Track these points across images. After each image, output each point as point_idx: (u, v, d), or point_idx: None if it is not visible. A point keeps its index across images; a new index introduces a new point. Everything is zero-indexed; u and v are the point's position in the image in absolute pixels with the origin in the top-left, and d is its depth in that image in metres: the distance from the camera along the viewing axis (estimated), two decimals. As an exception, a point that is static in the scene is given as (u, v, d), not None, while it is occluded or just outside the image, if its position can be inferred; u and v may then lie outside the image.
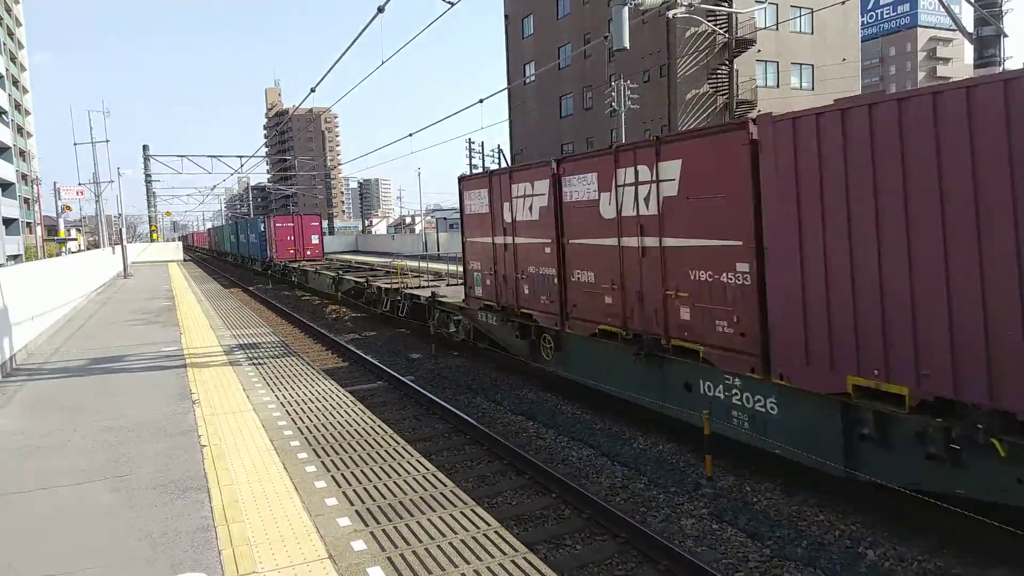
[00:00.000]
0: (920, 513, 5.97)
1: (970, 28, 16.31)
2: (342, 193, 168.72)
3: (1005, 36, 16.19)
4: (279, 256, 35.15)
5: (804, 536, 6.09)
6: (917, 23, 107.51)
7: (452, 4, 10.14)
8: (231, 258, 52.85)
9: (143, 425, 6.96)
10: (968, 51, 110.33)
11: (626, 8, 10.13)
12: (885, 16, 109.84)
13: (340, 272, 25.68)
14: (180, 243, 66.59)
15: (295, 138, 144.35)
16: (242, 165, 44.25)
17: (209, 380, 9.00)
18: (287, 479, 5.36)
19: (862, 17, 62.97)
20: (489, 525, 4.39)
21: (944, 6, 17.75)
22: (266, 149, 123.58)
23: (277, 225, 35.56)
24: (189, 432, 6.64)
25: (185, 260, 53.18)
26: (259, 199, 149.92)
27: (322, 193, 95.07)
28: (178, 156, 44.72)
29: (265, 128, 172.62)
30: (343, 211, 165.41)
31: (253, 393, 8.27)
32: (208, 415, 7.26)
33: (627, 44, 10.28)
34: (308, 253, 36.00)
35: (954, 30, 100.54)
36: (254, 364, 10.15)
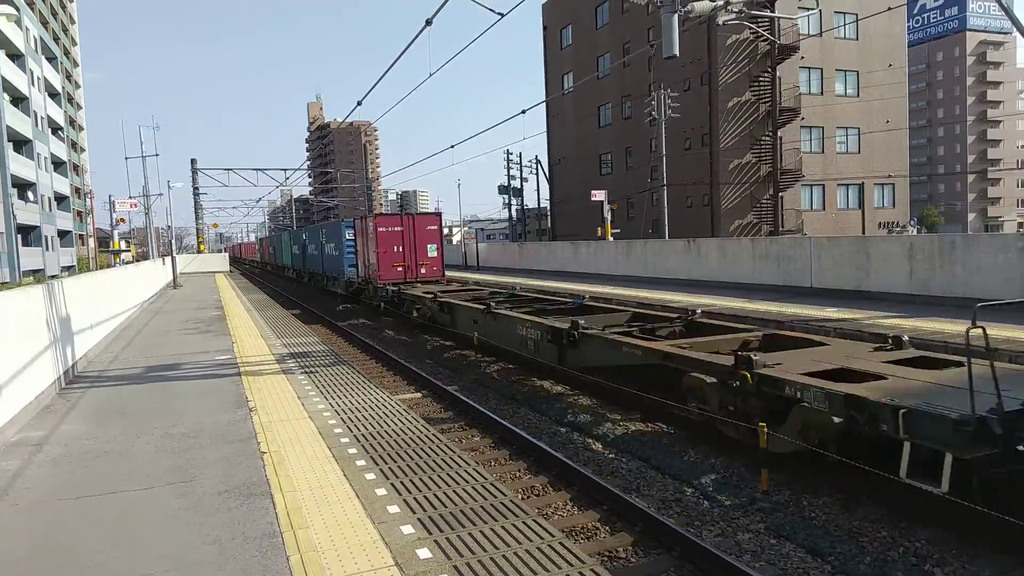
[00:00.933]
0: (991, 530, 5.77)
1: (1027, 31, 15.84)
2: (381, 205, 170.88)
3: (1064, 38, 15.66)
4: (383, 276, 22.26)
5: (867, 552, 5.94)
6: (966, 26, 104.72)
7: (502, 15, 10.23)
8: (291, 272, 44.93)
9: (203, 432, 7.12)
10: (1021, 54, 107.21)
11: (676, 15, 10.11)
12: (932, 20, 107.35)
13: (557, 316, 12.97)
14: (227, 254, 68.14)
15: (336, 151, 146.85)
16: (287, 178, 45.20)
17: (264, 388, 9.18)
18: (347, 486, 5.44)
19: (908, 21, 61.65)
20: (554, 536, 4.39)
21: (1002, 5, 17.29)
22: (308, 162, 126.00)
23: (381, 230, 22.30)
24: (248, 439, 6.78)
25: (231, 271, 54.37)
26: (301, 211, 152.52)
27: (363, 205, 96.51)
28: (224, 169, 45.96)
29: (308, 142, 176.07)
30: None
31: (308, 401, 8.41)
32: (265, 422, 7.40)
33: (676, 52, 10.25)
34: (423, 271, 23.06)
35: (1006, 32, 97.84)
36: (306, 372, 10.32)
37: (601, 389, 11.09)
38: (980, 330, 4.90)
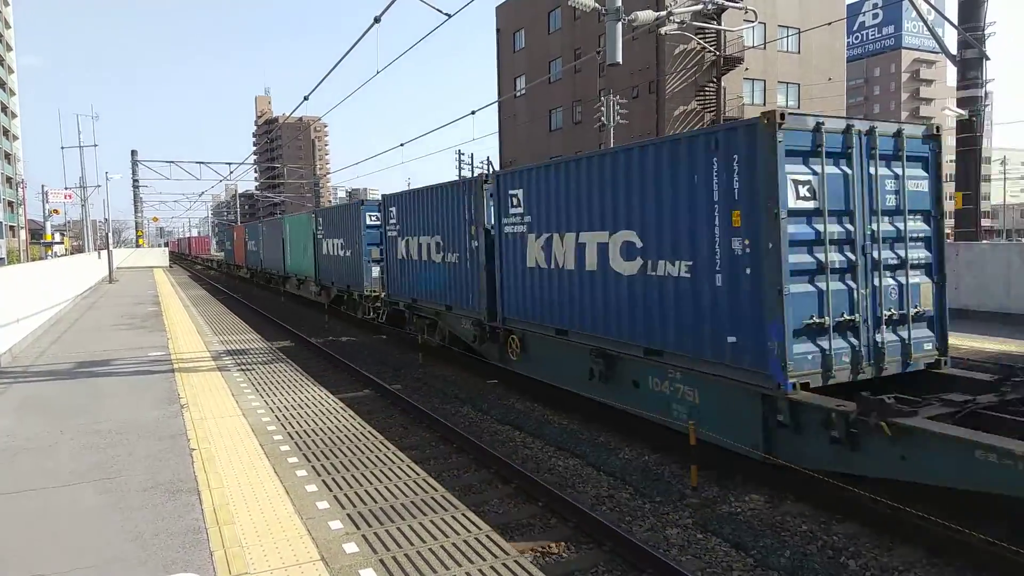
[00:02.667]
0: (905, 523, 6.08)
1: (953, 50, 16.72)
2: (329, 202, 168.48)
3: (987, 59, 16.59)
4: None
5: (787, 546, 6.18)
6: (901, 45, 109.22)
7: (449, 16, 10.26)
8: (294, 283, 27.15)
9: (131, 428, 6.95)
10: (951, 72, 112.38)
11: (620, 24, 10.31)
12: (870, 37, 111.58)
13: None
14: (166, 249, 66.25)
15: (284, 146, 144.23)
16: (231, 172, 44.19)
17: (197, 385, 9.00)
18: (277, 482, 5.39)
19: (848, 38, 64.02)
20: (480, 529, 4.45)
21: (929, 28, 18.14)
22: (255, 156, 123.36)
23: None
24: (178, 436, 6.65)
25: (171, 267, 52.84)
26: (246, 206, 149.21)
27: (311, 201, 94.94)
28: (166, 162, 44.61)
29: (255, 136, 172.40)
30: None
31: (242, 398, 8.28)
32: (197, 419, 7.26)
33: (620, 59, 10.45)
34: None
35: (938, 52, 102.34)
36: (242, 370, 10.15)
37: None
38: None
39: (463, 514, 4.77)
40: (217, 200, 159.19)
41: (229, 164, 45.19)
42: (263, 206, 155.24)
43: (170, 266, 53.27)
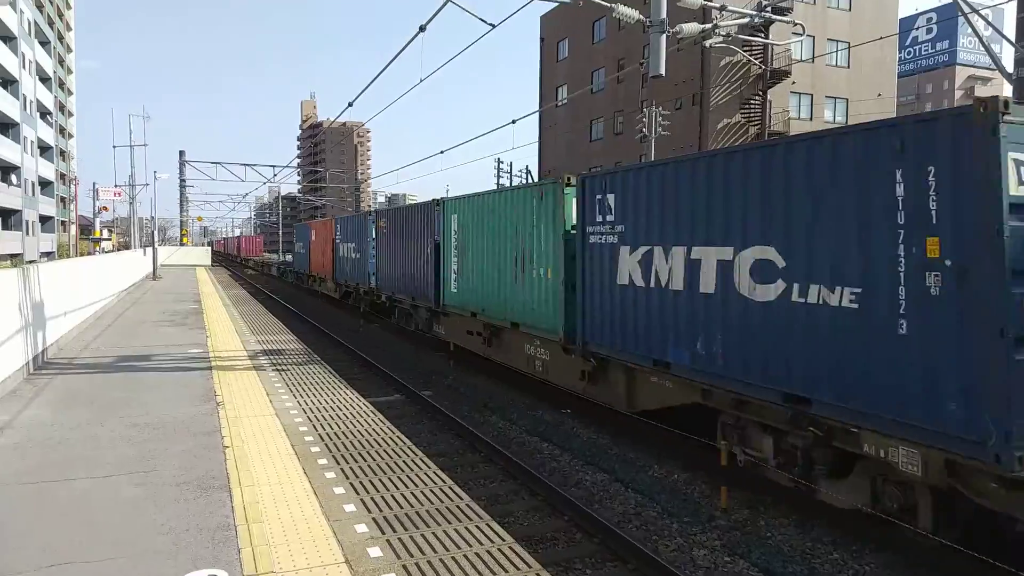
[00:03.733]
0: (939, 554, 5.89)
1: (1009, 68, 16.25)
2: (370, 206, 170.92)
3: (1044, 79, 16.07)
4: None
5: (816, 573, 6.04)
6: (956, 61, 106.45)
7: (493, 26, 10.34)
8: (413, 304, 17.47)
9: (168, 423, 7.11)
10: (1007, 90, 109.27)
11: (664, 36, 10.26)
12: (923, 53, 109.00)
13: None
14: (209, 248, 67.90)
15: (327, 150, 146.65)
16: (275, 175, 45.03)
17: (233, 383, 9.17)
18: (307, 483, 5.46)
19: (900, 53, 62.68)
20: (504, 540, 4.44)
21: (984, 45, 17.66)
22: (298, 160, 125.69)
23: None
24: (212, 433, 6.78)
25: (212, 265, 54.07)
26: (288, 208, 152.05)
27: (351, 205, 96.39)
28: (213, 163, 45.66)
29: (299, 139, 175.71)
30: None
31: (276, 398, 8.41)
32: (232, 417, 7.40)
33: (663, 71, 10.38)
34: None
35: (993, 69, 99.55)
36: (277, 370, 10.31)
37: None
38: None
39: (488, 524, 4.77)
40: (260, 202, 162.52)
41: (273, 167, 46.18)
42: (304, 208, 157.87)
43: (212, 265, 54.50)
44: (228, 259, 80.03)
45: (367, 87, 16.47)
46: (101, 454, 6.11)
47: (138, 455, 6.08)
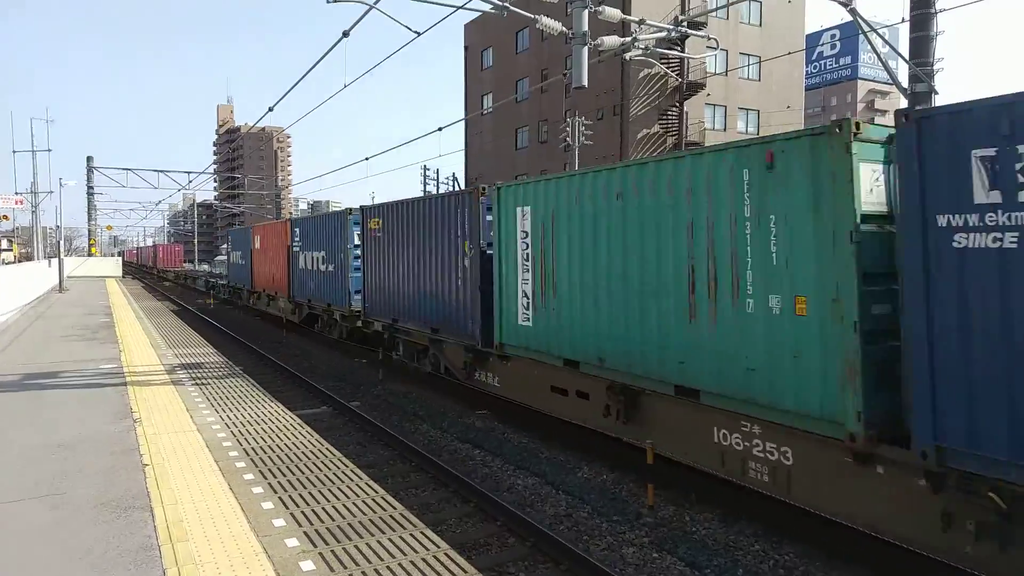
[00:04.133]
0: (851, 542, 6.24)
1: (905, 84, 17.39)
2: (291, 214, 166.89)
3: (936, 93, 17.29)
4: None
5: (740, 565, 6.30)
6: (857, 76, 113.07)
7: (418, 34, 10.34)
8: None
9: (82, 443, 6.77)
10: (903, 104, 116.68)
11: (586, 48, 10.51)
12: (828, 67, 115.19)
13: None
14: (119, 259, 64.71)
15: (246, 156, 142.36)
16: (190, 181, 43.43)
17: (151, 399, 8.81)
18: (233, 499, 5.31)
19: (807, 67, 65.98)
20: (439, 547, 4.45)
21: (883, 62, 18.82)
22: (215, 166, 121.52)
23: None
24: (131, 451, 6.50)
25: (124, 277, 51.59)
26: (204, 216, 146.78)
27: (271, 213, 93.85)
28: (123, 169, 43.65)
29: (215, 145, 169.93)
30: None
31: (197, 413, 8.13)
32: (150, 434, 7.11)
33: (586, 83, 10.63)
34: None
35: (891, 84, 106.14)
36: (197, 384, 9.96)
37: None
38: None
39: (422, 532, 4.77)
40: (174, 209, 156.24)
41: (188, 173, 44.43)
42: (222, 216, 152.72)
43: (123, 277, 51.98)
44: (142, 271, 73.83)
45: (288, 91, 16.17)
46: (9, 479, 5.76)
47: (50, 477, 5.76)
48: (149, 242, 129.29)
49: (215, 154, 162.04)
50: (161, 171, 42.94)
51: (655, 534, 6.89)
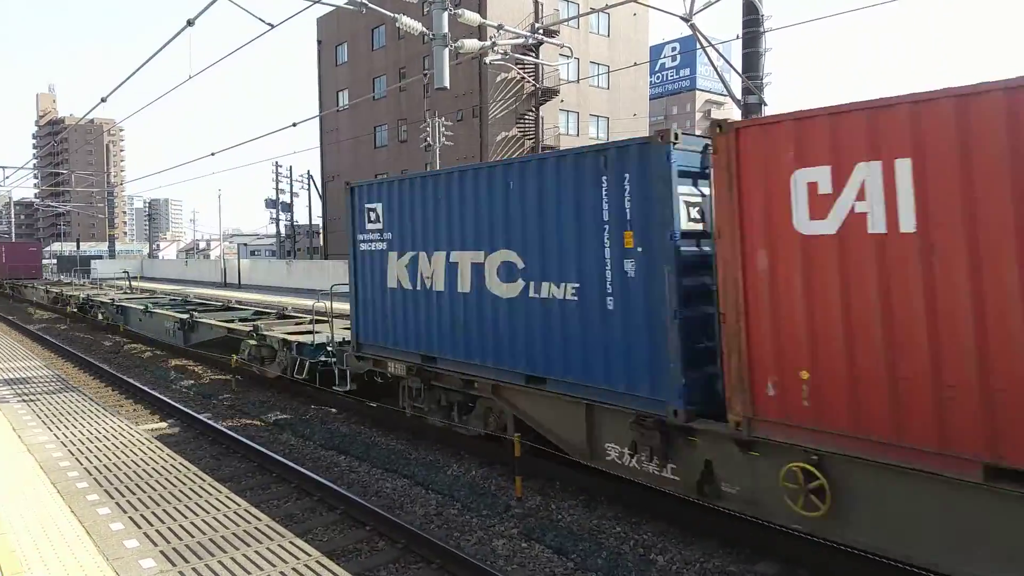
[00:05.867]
0: (703, 519, 6.74)
1: (739, 95, 18.95)
2: (125, 212, 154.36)
3: (765, 104, 18.98)
4: None
5: (604, 548, 6.61)
6: (695, 87, 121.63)
7: (272, 26, 9.95)
8: None
9: None
10: (737, 114, 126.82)
11: (446, 50, 10.58)
12: (669, 79, 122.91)
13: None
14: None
15: (72, 150, 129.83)
16: (5, 178, 39.01)
17: (-32, 420, 7.88)
18: (76, 523, 4.89)
19: (651, 78, 70.01)
20: (310, 556, 4.34)
21: (719, 74, 20.39)
22: (35, 161, 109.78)
23: None
24: (-54, 479, 5.80)
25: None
26: (22, 216, 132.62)
27: (101, 212, 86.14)
28: (-79, 162, 38.44)
29: (35, 137, 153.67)
30: (124, 232, 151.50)
31: (26, 432, 7.37)
32: (-31, 459, 6.37)
33: (447, 84, 10.70)
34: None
35: (726, 95, 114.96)
36: (25, 401, 9.02)
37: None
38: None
39: (291, 542, 4.63)
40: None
41: (3, 168, 39.86)
42: (44, 216, 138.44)
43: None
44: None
45: (124, 81, 15.00)
46: None
47: None
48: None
49: (35, 147, 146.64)
50: (-31, 165, 38.22)
51: (523, 524, 7.08)
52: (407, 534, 6.65)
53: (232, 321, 15.71)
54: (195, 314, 17.04)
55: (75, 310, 23.72)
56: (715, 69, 21.77)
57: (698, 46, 21.26)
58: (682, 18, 17.37)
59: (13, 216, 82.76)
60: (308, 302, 23.96)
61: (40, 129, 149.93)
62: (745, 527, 6.37)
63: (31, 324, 22.08)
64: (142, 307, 19.24)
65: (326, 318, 12.96)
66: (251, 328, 13.78)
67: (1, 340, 16.11)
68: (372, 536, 6.85)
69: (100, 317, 21.93)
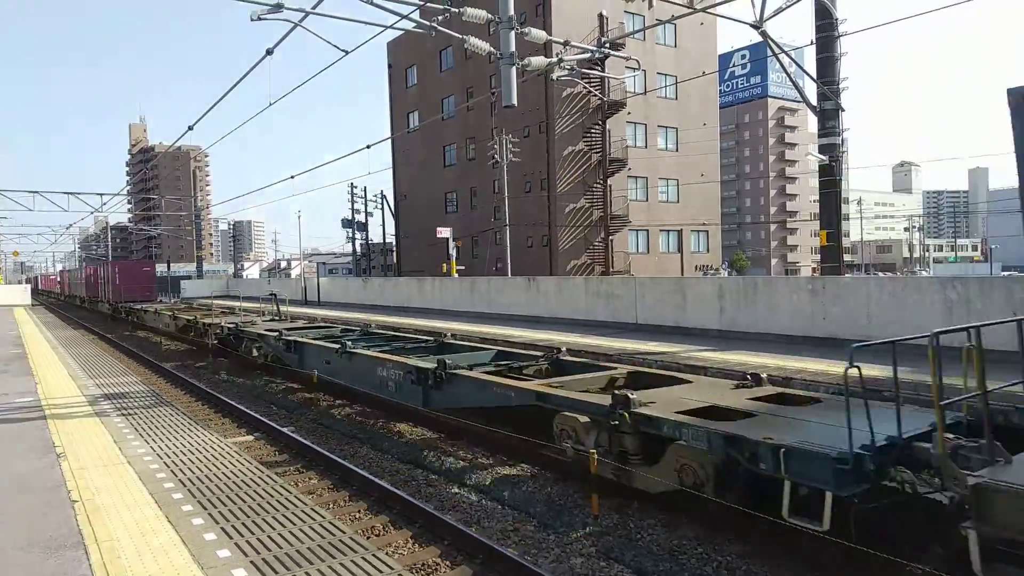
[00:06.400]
0: (793, 541, 6.50)
1: (814, 101, 18.42)
2: (211, 235, 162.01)
3: (842, 110, 18.38)
4: None
5: (685, 568, 6.46)
6: (767, 94, 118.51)
7: (346, 52, 10.31)
8: None
9: (1, 482, 6.39)
10: (811, 120, 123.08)
11: (513, 68, 10.71)
12: (740, 86, 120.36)
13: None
14: (28, 285, 61.26)
15: (162, 177, 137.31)
16: (103, 204, 41.59)
17: (74, 431, 8.38)
18: (172, 532, 5.12)
19: (720, 86, 68.84)
20: (392, 570, 4.41)
21: (792, 80, 19.90)
22: (129, 188, 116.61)
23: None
24: (56, 487, 6.18)
25: (34, 305, 48.79)
26: (118, 239, 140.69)
27: (189, 235, 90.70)
28: (30, 192, 41.43)
29: (128, 165, 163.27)
30: (211, 253, 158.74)
31: (126, 445, 7.78)
32: (77, 469, 6.77)
33: (515, 101, 10.83)
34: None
35: (799, 101, 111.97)
36: (123, 415, 9.53)
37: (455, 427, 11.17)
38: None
39: (373, 555, 4.72)
40: (85, 233, 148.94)
41: (101, 195, 42.56)
42: (137, 239, 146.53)
43: (33, 304, 49.13)
44: (70, 304, 53.05)
45: (209, 110, 15.81)
46: (-81, 524, 5.38)
47: (-33, 521, 5.41)
48: (57, 267, 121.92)
49: (128, 175, 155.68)
50: (71, 193, 40.99)
51: (601, 543, 7.00)
52: (485, 549, 6.67)
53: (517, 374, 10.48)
54: (446, 358, 10.43)
55: (214, 342, 19.59)
56: (788, 75, 21.22)
57: (769, 53, 20.79)
58: (752, 25, 17.05)
59: (110, 240, 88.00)
60: (404, 320, 24.42)
61: (132, 157, 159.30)
62: (834, 551, 6.11)
63: (165, 361, 19.62)
64: (336, 345, 13.15)
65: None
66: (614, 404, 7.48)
67: (108, 361, 17.08)
68: (450, 550, 6.90)
69: (255, 354, 16.88)
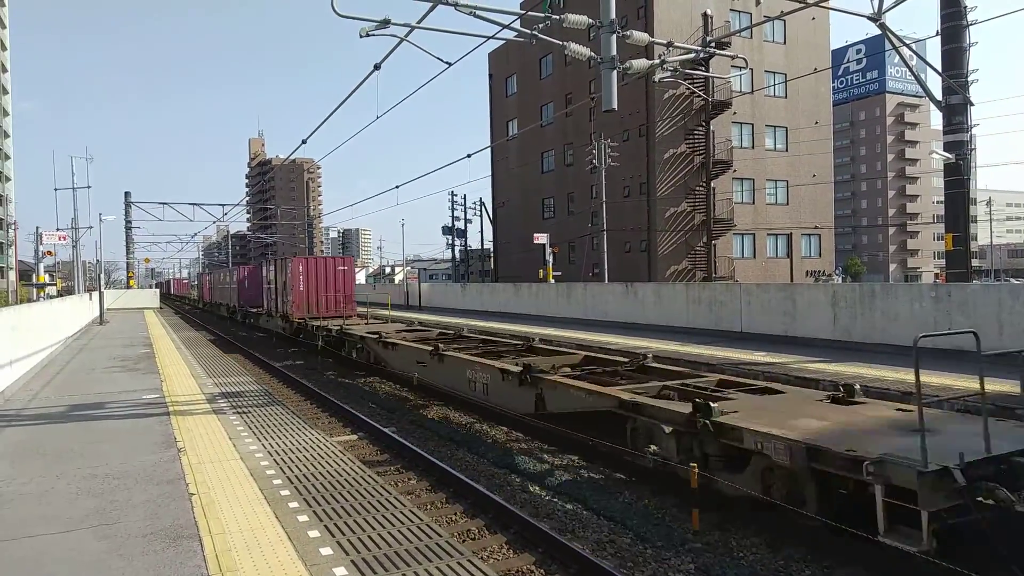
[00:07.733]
0: (903, 565, 6.05)
1: (938, 96, 17.18)
2: (322, 242, 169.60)
3: (971, 104, 17.05)
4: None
5: (791, 591, 6.13)
6: (885, 89, 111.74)
7: (449, 64, 10.52)
8: None
9: (128, 473, 6.89)
10: (934, 116, 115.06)
11: (615, 72, 10.58)
12: (855, 82, 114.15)
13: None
14: (156, 290, 66.27)
15: (278, 188, 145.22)
16: (225, 214, 44.42)
17: (193, 428, 8.93)
18: (279, 527, 5.34)
19: (833, 82, 65.54)
20: None
21: (914, 74, 18.66)
22: (248, 198, 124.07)
23: None
24: (176, 480, 6.59)
25: (161, 308, 52.72)
26: (237, 247, 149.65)
27: (303, 242, 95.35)
28: (159, 203, 44.89)
29: (248, 177, 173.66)
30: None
31: (239, 442, 8.22)
32: (195, 463, 7.21)
33: (615, 105, 10.69)
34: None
35: (920, 96, 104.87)
36: (238, 413, 10.08)
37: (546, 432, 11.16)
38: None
39: (468, 560, 4.74)
40: (208, 241, 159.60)
41: (223, 206, 45.52)
42: (255, 247, 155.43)
43: (160, 307, 53.11)
44: (209, 313, 47.45)
45: (321, 124, 16.50)
46: (60, 508, 5.87)
47: (99, 507, 5.86)
48: (183, 272, 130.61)
49: (247, 186, 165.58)
50: (196, 204, 44.07)
51: (701, 560, 6.75)
52: (580, 561, 6.59)
53: None
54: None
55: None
56: (909, 69, 19.92)
57: (888, 46, 19.58)
58: (870, 18, 16.11)
59: (230, 247, 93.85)
60: (500, 325, 24.73)
61: (251, 169, 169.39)
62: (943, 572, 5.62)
63: (277, 360, 19.65)
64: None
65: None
66: None
67: (226, 361, 18.15)
68: (544, 559, 6.85)
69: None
